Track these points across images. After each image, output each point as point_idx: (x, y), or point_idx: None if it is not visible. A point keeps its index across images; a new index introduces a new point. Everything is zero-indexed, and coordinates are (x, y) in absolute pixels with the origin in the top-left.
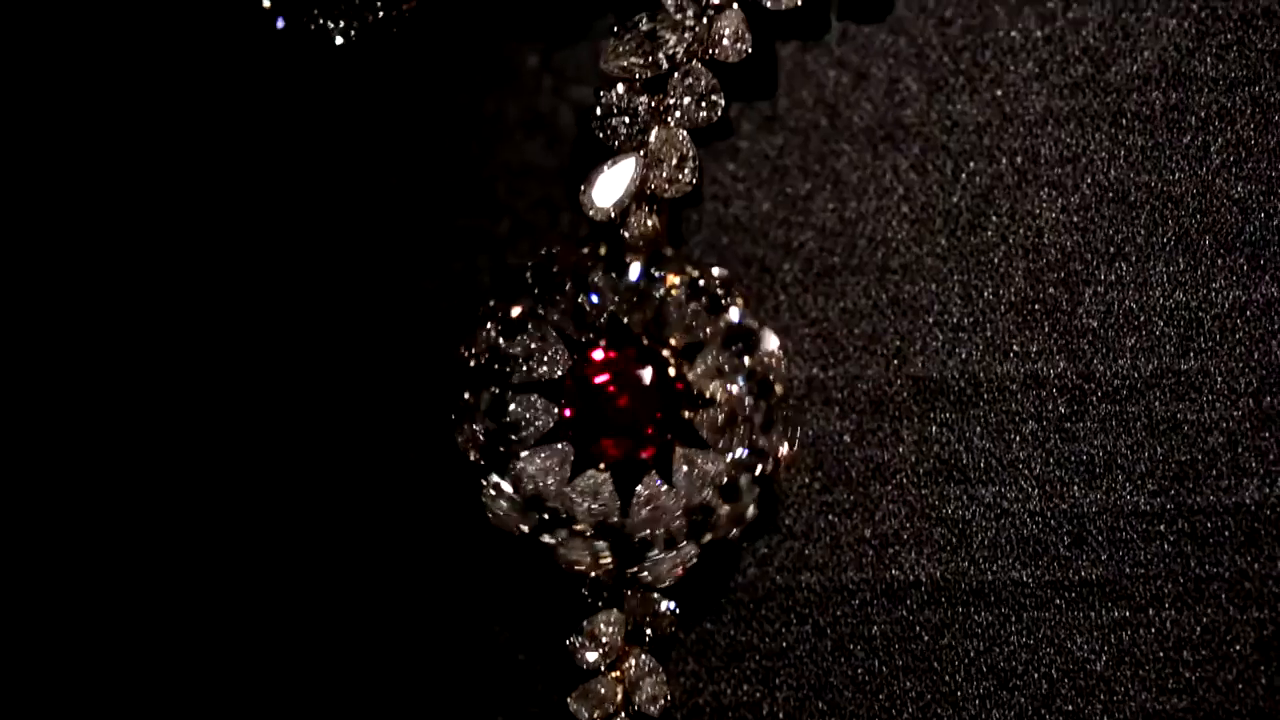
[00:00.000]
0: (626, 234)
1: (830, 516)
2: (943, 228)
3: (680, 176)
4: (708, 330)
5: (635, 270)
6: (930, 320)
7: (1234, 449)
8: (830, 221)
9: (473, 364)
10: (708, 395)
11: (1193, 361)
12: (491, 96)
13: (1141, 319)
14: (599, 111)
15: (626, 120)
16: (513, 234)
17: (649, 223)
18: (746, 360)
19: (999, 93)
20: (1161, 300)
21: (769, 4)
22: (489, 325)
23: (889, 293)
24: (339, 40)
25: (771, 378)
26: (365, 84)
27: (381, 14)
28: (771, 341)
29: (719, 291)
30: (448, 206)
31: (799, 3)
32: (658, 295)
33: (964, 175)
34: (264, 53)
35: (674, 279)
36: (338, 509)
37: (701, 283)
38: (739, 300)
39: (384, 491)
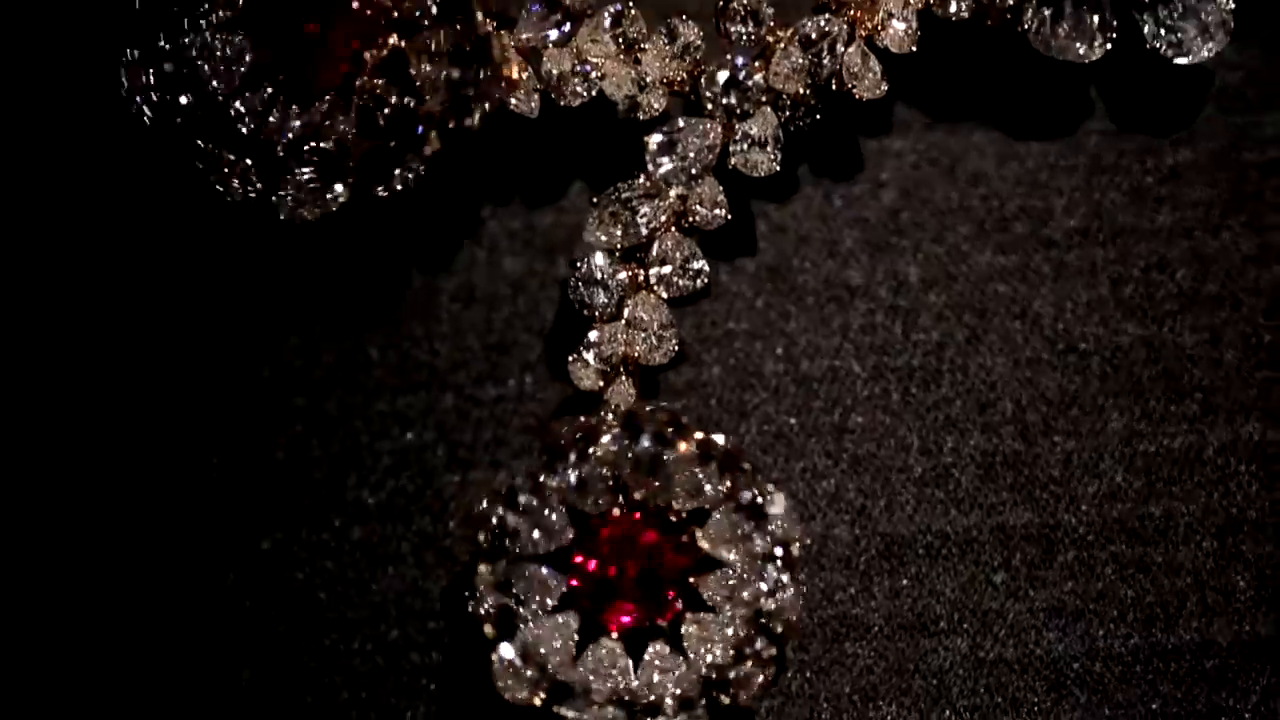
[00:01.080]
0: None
1: (809, 673)
2: (897, 385)
3: (661, 347)
4: (717, 495)
5: (646, 439)
6: (892, 477)
7: (1202, 589)
8: (784, 383)
9: (482, 538)
10: (718, 559)
11: (1154, 506)
12: (472, 261)
13: (1101, 466)
14: (576, 281)
15: (604, 290)
16: (499, 400)
17: (629, 391)
18: (757, 523)
19: (941, 251)
20: (1119, 448)
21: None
22: (496, 499)
23: (849, 451)
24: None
25: (783, 539)
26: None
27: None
28: (780, 504)
29: (728, 457)
30: (431, 370)
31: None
32: (667, 461)
33: (914, 333)
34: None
35: (684, 445)
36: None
37: (710, 448)
38: (746, 465)
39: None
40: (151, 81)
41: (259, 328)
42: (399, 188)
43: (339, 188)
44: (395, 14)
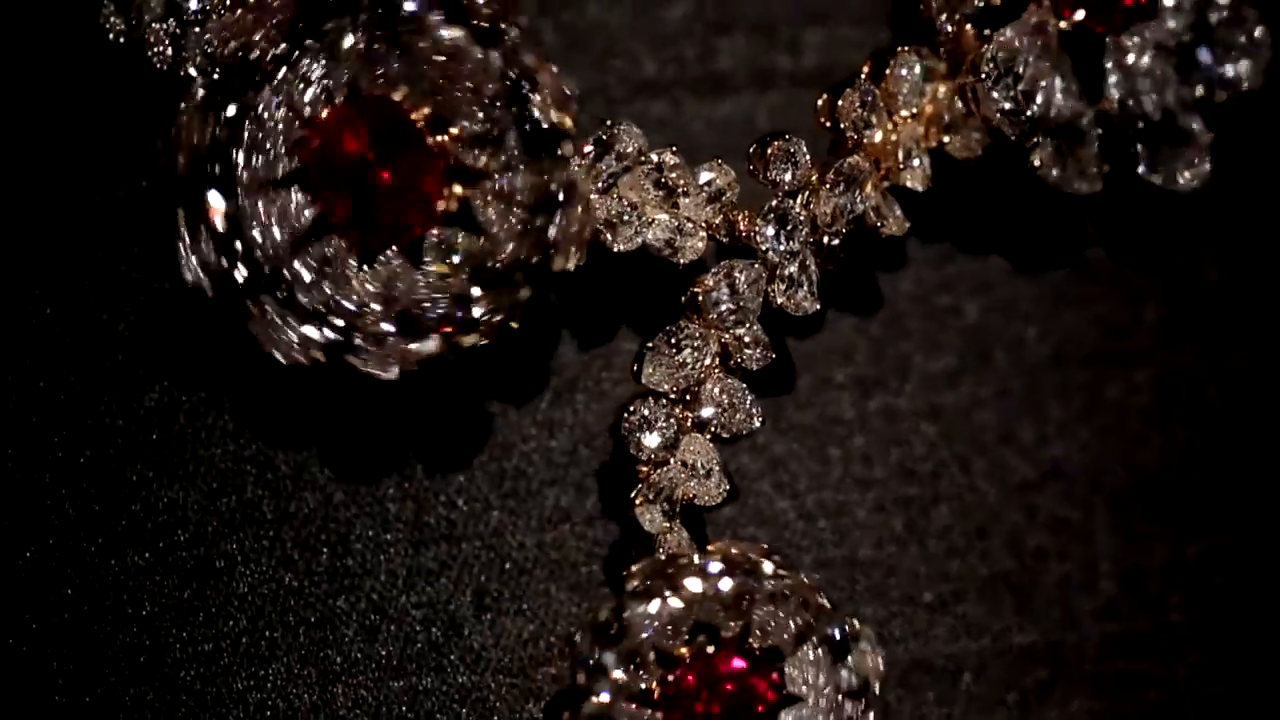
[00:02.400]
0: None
1: None
2: (899, 514)
3: (716, 487)
4: (803, 630)
5: (727, 583)
6: (902, 605)
7: (1205, 697)
8: (792, 520)
9: (575, 677)
10: (800, 695)
11: (1147, 620)
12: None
13: (1095, 586)
14: (629, 425)
15: (657, 433)
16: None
17: (681, 537)
18: (840, 660)
19: (926, 382)
20: (1109, 567)
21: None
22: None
23: (858, 583)
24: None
25: (866, 675)
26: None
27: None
28: (866, 640)
29: (809, 594)
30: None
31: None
32: (747, 601)
33: (909, 463)
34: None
35: (769, 584)
36: None
37: (795, 586)
38: (822, 598)
39: None
40: (205, 245)
41: (279, 480)
42: (485, 341)
43: (431, 343)
44: (476, 155)
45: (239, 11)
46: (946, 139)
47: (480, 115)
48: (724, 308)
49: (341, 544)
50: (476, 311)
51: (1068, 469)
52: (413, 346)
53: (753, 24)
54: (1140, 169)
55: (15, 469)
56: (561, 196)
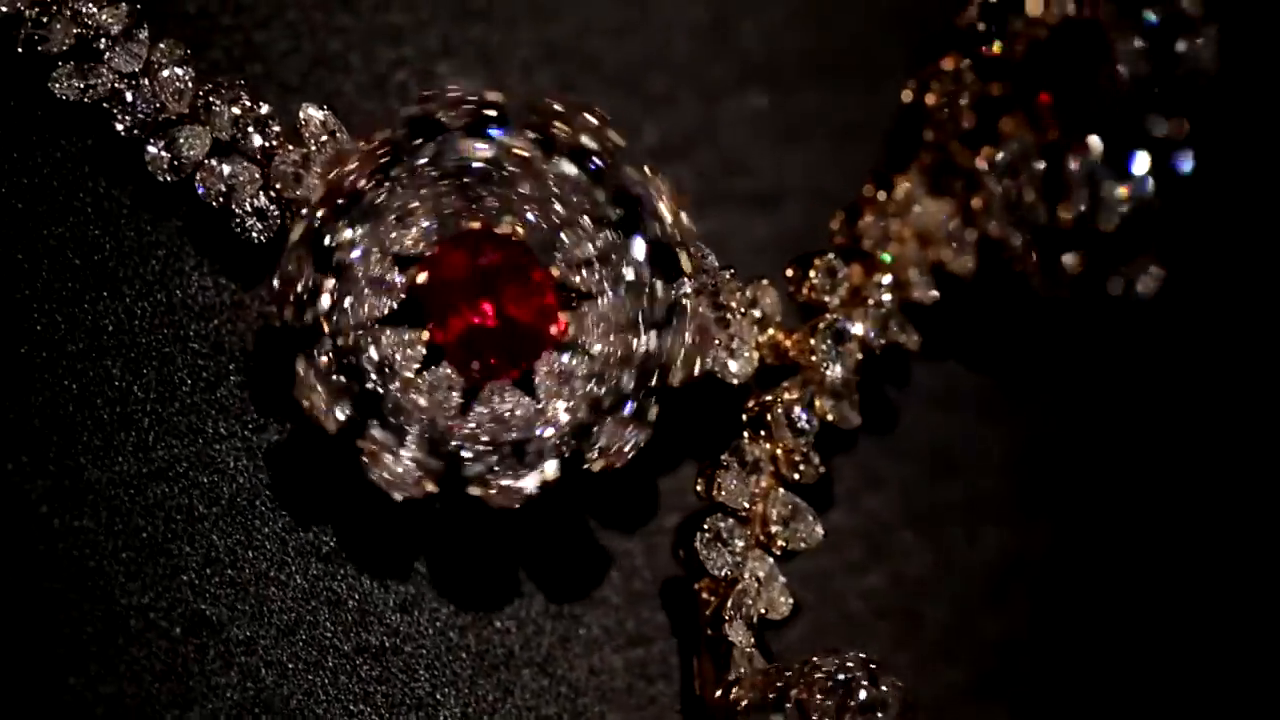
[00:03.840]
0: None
1: None
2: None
3: (784, 603)
4: None
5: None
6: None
7: None
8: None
9: None
10: None
11: None
12: None
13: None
14: (702, 544)
15: (729, 552)
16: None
17: (752, 655)
18: None
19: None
20: None
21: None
22: None
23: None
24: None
25: None
26: None
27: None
28: None
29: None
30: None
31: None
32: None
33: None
34: None
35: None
36: None
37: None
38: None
39: None
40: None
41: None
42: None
43: (550, 468)
44: (586, 277)
45: (325, 147)
46: (943, 256)
47: (589, 238)
48: (802, 424)
49: (407, 673)
50: (601, 440)
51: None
52: (531, 477)
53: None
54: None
55: None
56: (676, 314)
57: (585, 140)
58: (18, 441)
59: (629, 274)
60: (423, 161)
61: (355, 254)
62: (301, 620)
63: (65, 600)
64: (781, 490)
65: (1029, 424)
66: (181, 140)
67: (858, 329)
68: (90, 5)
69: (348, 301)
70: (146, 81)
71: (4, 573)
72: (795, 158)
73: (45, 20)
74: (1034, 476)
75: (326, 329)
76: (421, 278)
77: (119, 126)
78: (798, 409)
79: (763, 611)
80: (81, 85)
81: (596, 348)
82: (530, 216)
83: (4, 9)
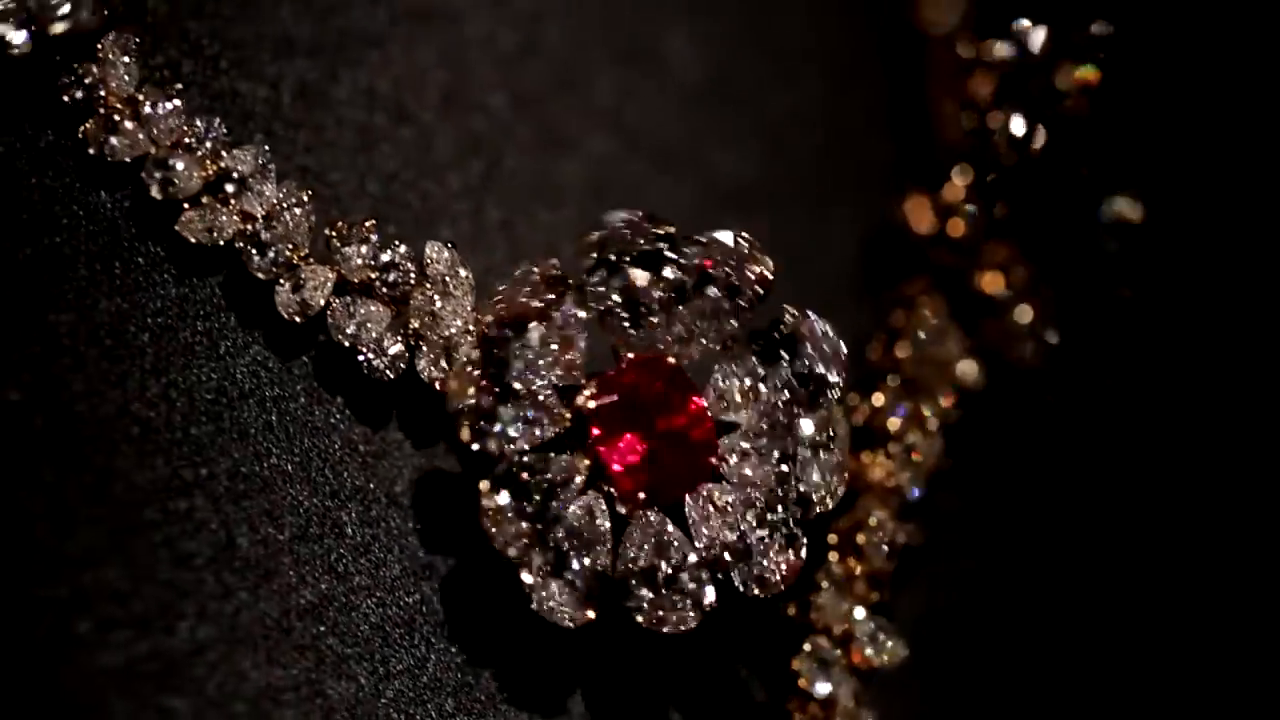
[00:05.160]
0: None
1: None
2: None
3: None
4: None
5: None
6: None
7: None
8: None
9: None
10: None
11: None
12: None
13: None
14: (807, 667)
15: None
16: None
17: None
18: None
19: None
20: None
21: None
22: None
23: None
24: None
25: None
26: None
27: None
28: None
29: None
30: None
31: None
32: None
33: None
34: None
35: None
36: None
37: None
38: None
39: None
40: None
41: None
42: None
43: (709, 594)
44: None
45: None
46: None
47: (742, 368)
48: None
49: None
50: (757, 568)
51: None
52: (692, 604)
53: None
54: None
55: None
56: (825, 442)
57: (740, 270)
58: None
59: (780, 404)
60: (590, 290)
61: (522, 380)
62: None
63: None
64: (863, 609)
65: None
66: (309, 281)
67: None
68: (222, 148)
69: (516, 428)
70: (274, 223)
71: None
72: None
73: (174, 164)
74: None
75: (501, 455)
76: (585, 404)
77: (253, 269)
78: (885, 530)
79: None
80: (210, 229)
81: (749, 473)
82: (688, 346)
83: (133, 152)
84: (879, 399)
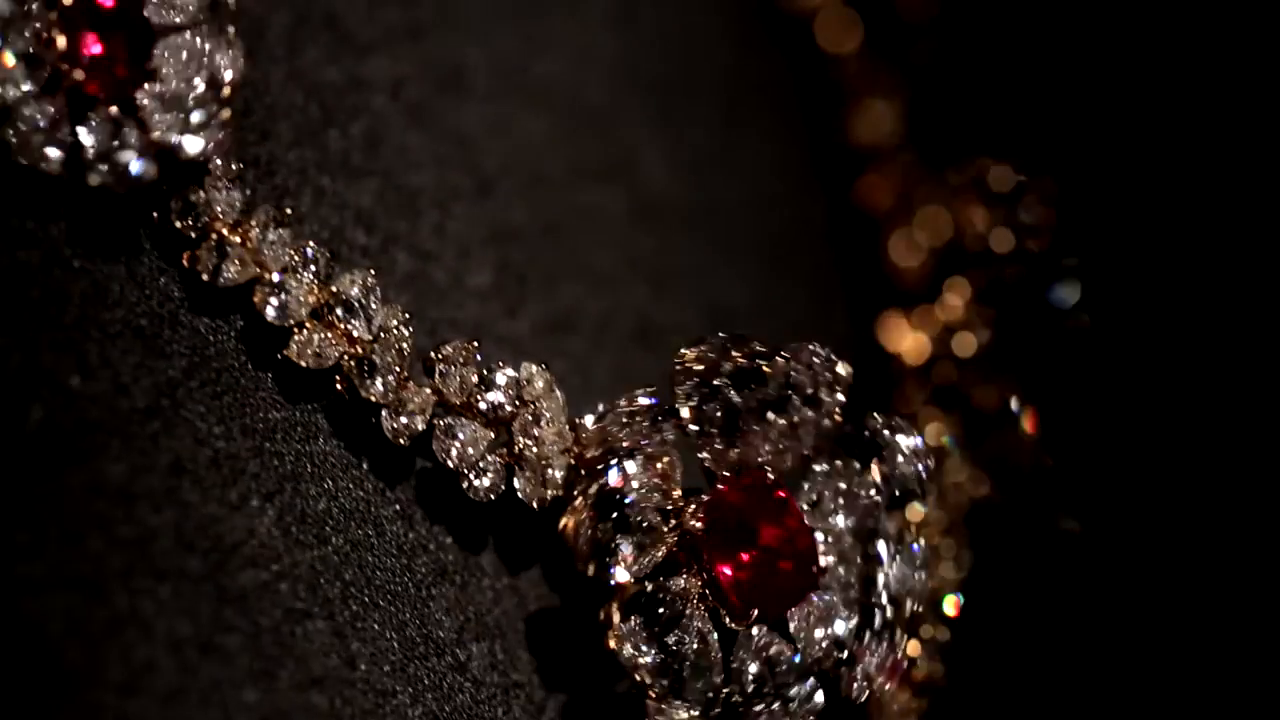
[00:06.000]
0: None
1: None
2: None
3: None
4: None
5: None
6: None
7: None
8: None
9: None
10: None
11: None
12: None
13: None
14: None
15: None
16: None
17: None
18: None
19: None
20: None
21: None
22: None
23: None
24: None
25: None
26: None
27: None
28: None
29: None
30: None
31: None
32: None
33: None
34: None
35: None
36: None
37: None
38: None
39: None
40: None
41: None
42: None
43: (818, 698)
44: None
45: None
46: None
47: (833, 477)
48: None
49: None
50: (862, 673)
51: None
52: (800, 711)
53: None
54: None
55: None
56: (909, 541)
57: (822, 379)
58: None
59: (869, 507)
60: (687, 413)
61: (635, 509)
62: None
63: None
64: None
65: None
66: (410, 403)
67: None
68: (332, 273)
69: (634, 556)
70: (382, 347)
71: None
72: None
73: (287, 288)
74: None
75: (623, 579)
76: (692, 525)
77: (363, 393)
78: None
79: None
80: (319, 353)
81: (843, 576)
82: (780, 457)
83: (243, 277)
84: None
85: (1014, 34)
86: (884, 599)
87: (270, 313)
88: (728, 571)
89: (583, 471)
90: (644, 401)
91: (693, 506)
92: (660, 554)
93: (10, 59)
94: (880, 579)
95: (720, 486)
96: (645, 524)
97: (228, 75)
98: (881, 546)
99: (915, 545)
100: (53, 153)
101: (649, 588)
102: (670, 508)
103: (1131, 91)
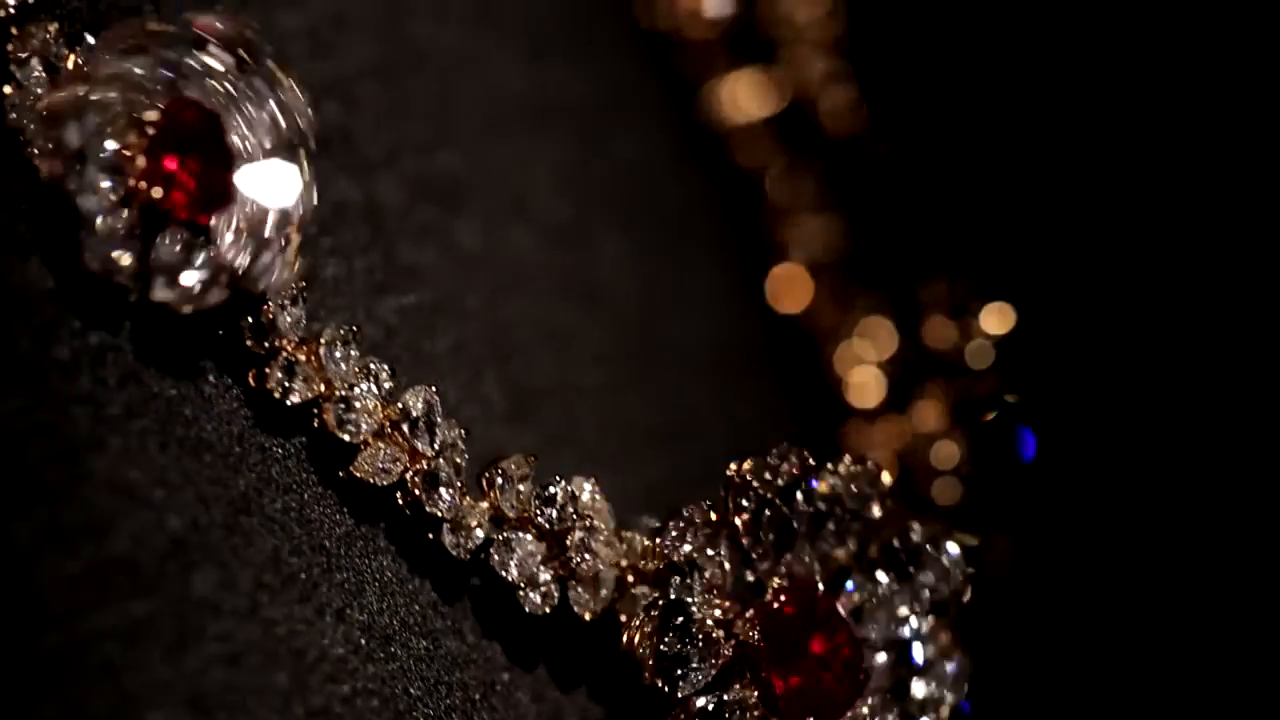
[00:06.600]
0: None
1: None
2: None
3: None
4: None
5: None
6: None
7: None
8: None
9: None
10: None
11: None
12: None
13: None
14: None
15: None
16: None
17: None
18: None
19: None
20: None
21: None
22: None
23: None
24: None
25: None
26: None
27: None
28: None
29: None
30: None
31: None
32: None
33: None
34: None
35: None
36: None
37: None
38: None
39: None
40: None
41: None
42: None
43: None
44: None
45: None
46: None
47: (873, 584)
48: None
49: None
50: None
51: None
52: None
53: None
54: None
55: None
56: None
57: (866, 491)
58: None
59: (910, 616)
60: (740, 526)
61: (697, 623)
62: None
63: None
64: None
65: None
66: (468, 517)
67: None
68: (396, 390)
69: (696, 667)
70: (445, 462)
71: None
72: None
73: (355, 406)
74: None
75: (688, 692)
76: (749, 635)
77: (429, 507)
78: None
79: None
80: (385, 469)
81: (885, 682)
82: (827, 566)
83: (306, 394)
84: None
85: (942, 146)
86: (919, 707)
87: (341, 431)
88: (783, 682)
89: (630, 580)
90: (703, 515)
91: (748, 615)
92: (718, 664)
93: (93, 171)
94: (917, 690)
95: (771, 598)
96: (707, 636)
97: (299, 211)
98: (918, 652)
99: (951, 663)
100: (124, 260)
101: (712, 700)
102: (728, 617)
103: (1066, 200)
